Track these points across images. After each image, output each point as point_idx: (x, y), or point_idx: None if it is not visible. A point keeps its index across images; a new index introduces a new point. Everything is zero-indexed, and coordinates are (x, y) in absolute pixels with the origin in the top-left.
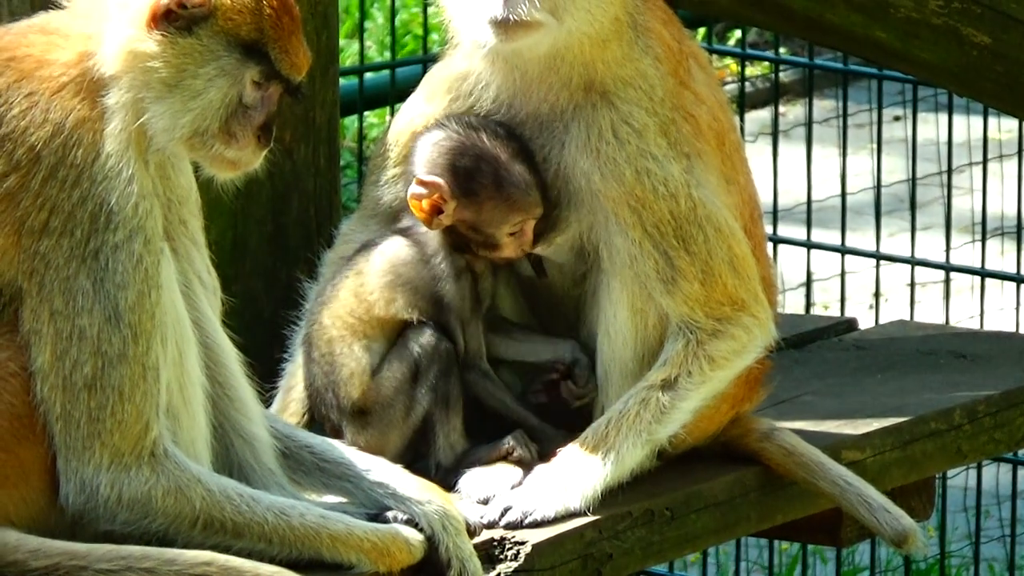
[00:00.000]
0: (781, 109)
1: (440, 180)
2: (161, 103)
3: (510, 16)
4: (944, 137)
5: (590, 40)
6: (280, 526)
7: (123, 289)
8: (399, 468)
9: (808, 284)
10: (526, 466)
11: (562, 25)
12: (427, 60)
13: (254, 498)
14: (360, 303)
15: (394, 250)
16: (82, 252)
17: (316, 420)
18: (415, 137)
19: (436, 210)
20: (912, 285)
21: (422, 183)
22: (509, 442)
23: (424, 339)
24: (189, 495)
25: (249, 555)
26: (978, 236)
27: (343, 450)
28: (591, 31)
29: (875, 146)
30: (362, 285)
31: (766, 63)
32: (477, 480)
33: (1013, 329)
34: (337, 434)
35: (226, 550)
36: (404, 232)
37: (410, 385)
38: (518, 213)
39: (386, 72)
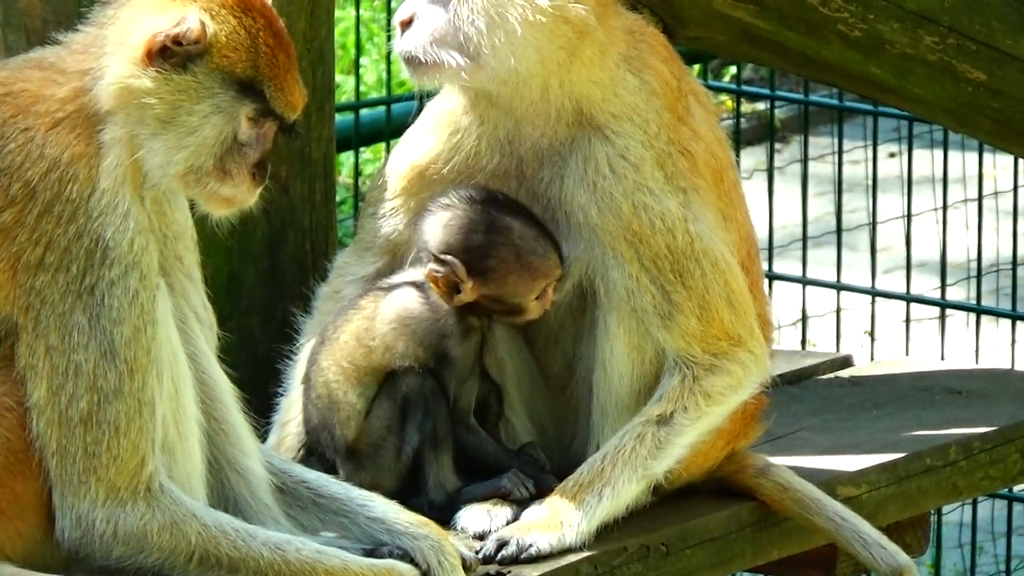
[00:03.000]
0: (776, 146)
1: (455, 261)
2: (156, 139)
3: (417, 55)
4: (939, 173)
5: (542, 78)
6: (276, 561)
7: (119, 325)
8: (395, 504)
9: (804, 320)
10: (522, 505)
11: (481, 65)
12: (423, 96)
13: (250, 533)
14: (360, 347)
15: (405, 301)
16: (78, 288)
17: (312, 455)
18: (414, 170)
19: (454, 288)
20: (908, 321)
21: (438, 260)
22: (505, 483)
23: (410, 380)
24: (185, 530)
25: None
26: (974, 273)
27: (339, 485)
28: (532, 70)
29: (870, 182)
30: (366, 330)
31: (762, 100)
32: (473, 516)
33: (1008, 366)
34: (332, 471)
35: None
36: (418, 286)
37: (399, 425)
38: (541, 279)
39: (382, 108)
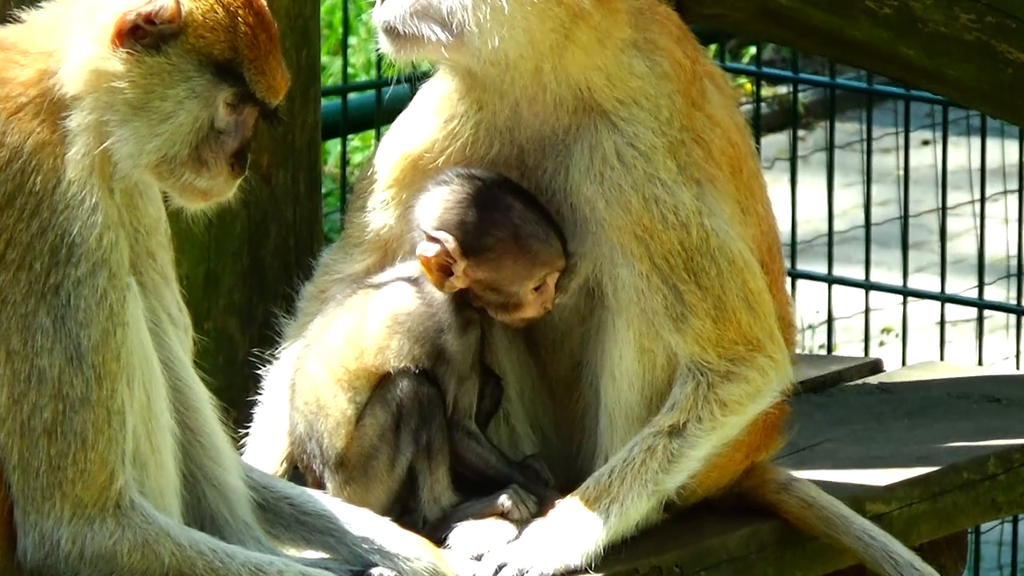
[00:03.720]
0: (800, 133)
1: (448, 237)
2: (126, 126)
3: (396, 26)
4: (977, 163)
5: (533, 62)
6: None
7: (86, 327)
8: (386, 521)
9: (829, 322)
10: (522, 523)
11: (464, 43)
12: (416, 79)
13: (228, 553)
14: (350, 348)
15: (397, 297)
16: (41, 287)
17: (297, 469)
18: (407, 159)
19: (446, 271)
20: (942, 323)
21: (430, 238)
22: (505, 500)
23: (404, 384)
24: (157, 550)
25: None
26: (1013, 270)
27: (325, 502)
28: (521, 53)
29: (902, 173)
30: (356, 329)
31: (784, 83)
32: (469, 535)
33: None
34: (319, 485)
35: None
36: (412, 281)
37: (392, 434)
38: (541, 267)
39: (371, 92)
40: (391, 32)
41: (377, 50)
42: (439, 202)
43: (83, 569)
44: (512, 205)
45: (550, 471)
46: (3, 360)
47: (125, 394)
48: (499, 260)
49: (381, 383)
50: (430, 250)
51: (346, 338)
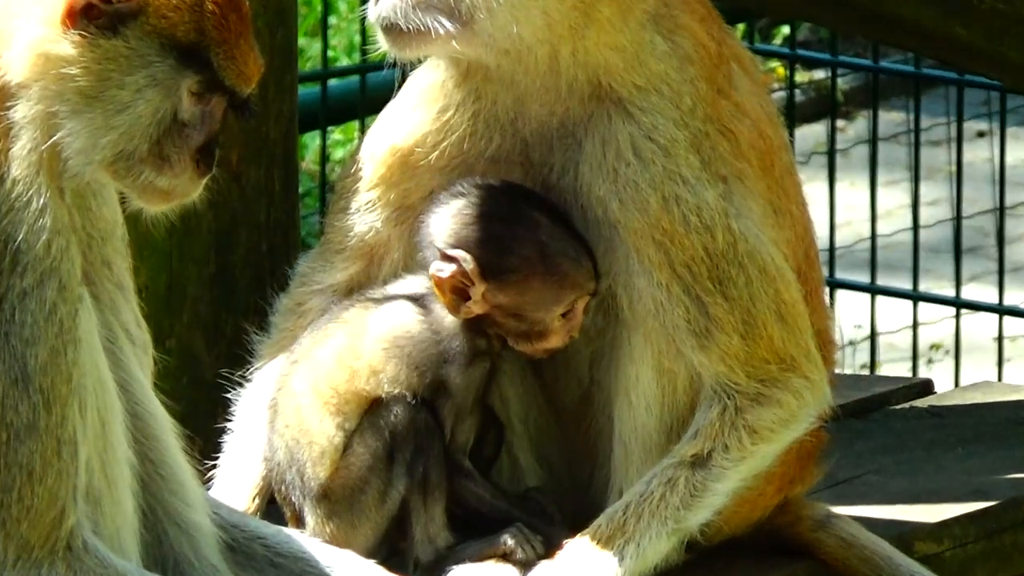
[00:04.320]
0: (839, 123)
1: (467, 256)
2: (78, 118)
3: (397, 22)
4: None
5: (551, 46)
6: None
7: (32, 345)
8: (372, 564)
9: (873, 338)
10: (527, 566)
11: (476, 32)
12: (404, 64)
13: None
14: (341, 369)
15: (399, 318)
16: None
17: (273, 503)
18: (396, 154)
19: (462, 294)
20: (1000, 339)
21: (445, 257)
22: (508, 540)
23: (399, 410)
24: None
25: None
26: None
27: (303, 542)
28: (538, 36)
29: (954, 168)
30: (350, 348)
31: (821, 67)
32: None
33: None
34: (299, 520)
35: None
36: (418, 300)
37: (384, 464)
38: (571, 290)
39: (355, 78)
40: (392, 29)
41: (361, 32)
42: (455, 216)
43: None
44: (539, 220)
45: (558, 507)
46: None
47: (77, 421)
48: (524, 282)
49: (373, 408)
50: (445, 270)
51: (338, 357)
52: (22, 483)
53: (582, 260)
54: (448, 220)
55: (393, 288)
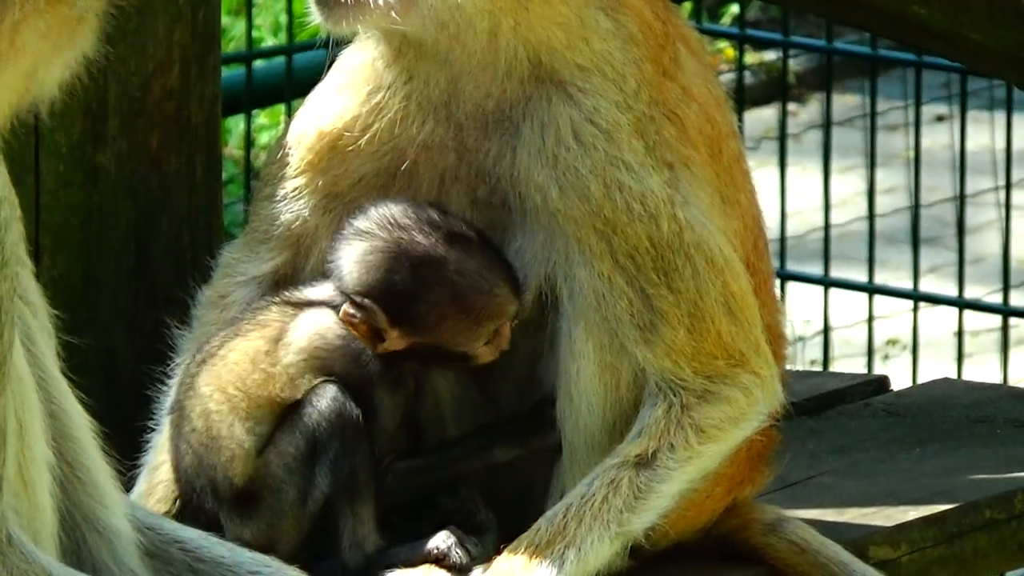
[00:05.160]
0: (791, 107)
1: (374, 307)
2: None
3: None
4: (1001, 143)
5: (492, 19)
6: None
7: None
8: (294, 571)
9: (826, 333)
10: (462, 571)
11: (415, 2)
12: (334, 43)
13: None
14: (255, 370)
15: (318, 328)
16: None
17: (187, 507)
18: (324, 139)
19: (377, 336)
20: (960, 333)
21: (354, 304)
22: (439, 544)
23: (324, 403)
24: None
25: None
26: None
27: (223, 547)
28: (479, 7)
29: (912, 154)
30: (267, 353)
31: (772, 48)
32: None
33: None
34: (214, 526)
35: None
36: (337, 309)
37: (305, 463)
38: (488, 323)
39: (280, 59)
40: (326, 2)
41: (288, 9)
42: (360, 261)
43: None
44: (445, 257)
45: (494, 510)
46: None
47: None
48: (438, 325)
49: (294, 404)
50: (356, 316)
51: (252, 359)
52: None
53: (496, 290)
54: (354, 263)
55: (313, 293)
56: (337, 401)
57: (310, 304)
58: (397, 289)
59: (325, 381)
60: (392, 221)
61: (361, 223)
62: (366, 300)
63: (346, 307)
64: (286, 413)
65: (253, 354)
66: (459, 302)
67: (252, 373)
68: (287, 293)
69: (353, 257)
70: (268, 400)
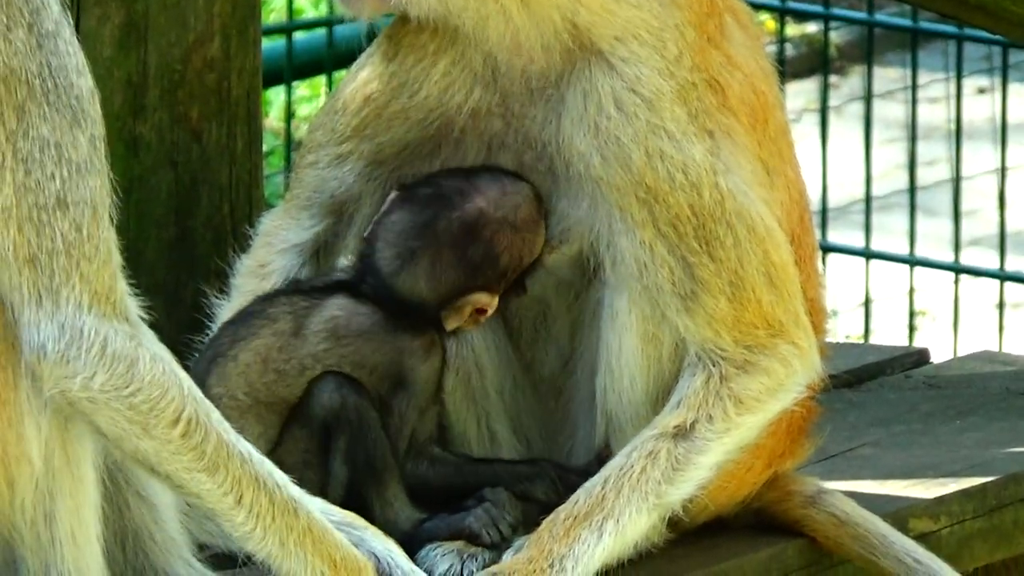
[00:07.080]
0: (832, 79)
1: (471, 297)
2: None
3: None
4: None
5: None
6: (260, 481)
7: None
8: (320, 500)
9: (867, 305)
10: (494, 547)
11: None
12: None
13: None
14: (266, 371)
15: (336, 313)
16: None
17: None
18: (370, 104)
19: (481, 313)
20: (1001, 306)
21: (458, 311)
22: (472, 522)
23: (326, 397)
24: (168, 381)
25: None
26: None
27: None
28: None
29: (953, 127)
30: (280, 348)
31: (813, 20)
32: (439, 558)
33: None
34: None
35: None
36: (356, 293)
37: (318, 459)
38: (541, 218)
39: (321, 31)
40: None
41: None
42: (431, 274)
43: (101, 369)
44: (480, 209)
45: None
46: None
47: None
48: (518, 260)
49: (296, 406)
50: (468, 316)
51: (265, 360)
52: (89, 221)
53: (523, 191)
54: (430, 282)
55: (324, 281)
56: (337, 393)
57: (323, 291)
58: (479, 264)
59: (324, 373)
60: (419, 228)
61: (394, 249)
62: (462, 298)
63: (452, 318)
64: (291, 411)
65: (265, 353)
66: (515, 226)
67: (263, 375)
68: (296, 283)
69: (422, 275)
70: (278, 402)
